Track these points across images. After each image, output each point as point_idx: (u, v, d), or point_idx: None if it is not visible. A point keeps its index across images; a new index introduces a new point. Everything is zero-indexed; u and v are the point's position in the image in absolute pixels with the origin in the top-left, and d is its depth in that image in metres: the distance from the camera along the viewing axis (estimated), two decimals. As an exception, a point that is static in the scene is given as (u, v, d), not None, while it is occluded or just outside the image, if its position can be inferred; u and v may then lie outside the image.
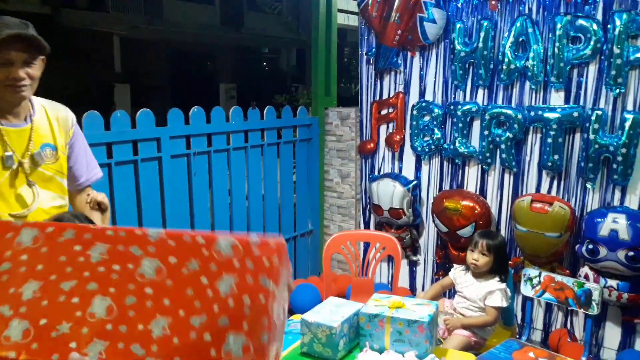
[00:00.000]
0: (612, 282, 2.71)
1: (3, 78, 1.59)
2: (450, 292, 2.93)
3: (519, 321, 3.13)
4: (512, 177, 3.14)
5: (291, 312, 3.45)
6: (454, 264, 2.74)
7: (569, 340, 2.90)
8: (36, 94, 1.77)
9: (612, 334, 2.95)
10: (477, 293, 2.48)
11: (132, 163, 2.77)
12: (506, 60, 3.02)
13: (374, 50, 3.54)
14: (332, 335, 1.82)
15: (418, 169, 3.50)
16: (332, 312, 1.93)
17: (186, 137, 3.00)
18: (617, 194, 2.82)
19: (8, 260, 0.87)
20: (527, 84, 3.01)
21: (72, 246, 0.87)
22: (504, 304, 2.43)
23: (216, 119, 3.16)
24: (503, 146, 3.09)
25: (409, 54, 3.41)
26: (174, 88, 9.17)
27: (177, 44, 9.54)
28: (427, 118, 3.38)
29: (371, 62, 3.59)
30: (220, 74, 10.02)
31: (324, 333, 1.84)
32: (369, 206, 3.75)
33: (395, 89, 3.53)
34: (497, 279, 2.48)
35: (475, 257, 2.50)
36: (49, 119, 1.80)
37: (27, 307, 0.84)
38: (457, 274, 2.61)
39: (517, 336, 2.73)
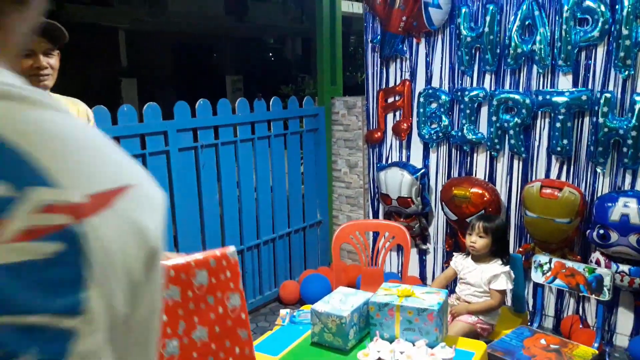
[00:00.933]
0: (624, 267, 2.69)
1: (27, 68, 1.63)
2: (452, 284, 2.90)
3: (530, 308, 3.12)
4: (521, 163, 3.12)
5: (302, 302, 3.46)
6: (454, 253, 2.73)
7: (580, 326, 2.89)
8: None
9: (624, 319, 2.93)
10: (480, 277, 2.47)
11: (140, 157, 2.78)
12: (513, 44, 2.98)
13: (379, 37, 3.51)
14: (343, 324, 1.83)
15: (426, 156, 3.48)
16: (342, 302, 1.93)
17: (193, 129, 3.00)
18: (628, 178, 2.79)
19: None
20: (535, 68, 2.97)
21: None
22: (509, 287, 2.43)
23: (222, 111, 3.16)
24: (511, 132, 3.06)
25: (415, 40, 3.38)
26: (180, 81, 9.17)
27: (182, 36, 9.53)
28: (434, 105, 3.35)
29: (376, 49, 3.57)
30: (226, 65, 10.00)
31: (334, 323, 1.84)
32: (377, 195, 3.74)
33: (401, 76, 3.50)
34: (499, 262, 2.47)
35: (473, 239, 2.51)
36: (71, 111, 1.83)
37: None
38: (459, 262, 2.61)
39: (529, 323, 2.72)
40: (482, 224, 2.50)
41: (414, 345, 1.79)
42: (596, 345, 2.38)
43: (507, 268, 2.45)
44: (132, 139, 2.73)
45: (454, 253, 2.72)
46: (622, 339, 2.94)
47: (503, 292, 2.44)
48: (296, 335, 1.97)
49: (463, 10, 3.12)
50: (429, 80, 3.37)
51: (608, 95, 2.74)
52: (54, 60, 1.70)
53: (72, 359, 0.35)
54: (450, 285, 2.85)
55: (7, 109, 0.36)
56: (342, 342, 1.84)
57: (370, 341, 1.83)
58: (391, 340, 1.85)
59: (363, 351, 1.74)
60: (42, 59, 1.65)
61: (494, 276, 2.43)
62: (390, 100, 3.57)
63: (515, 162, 3.14)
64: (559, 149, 2.93)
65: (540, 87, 2.97)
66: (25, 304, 0.33)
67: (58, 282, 0.35)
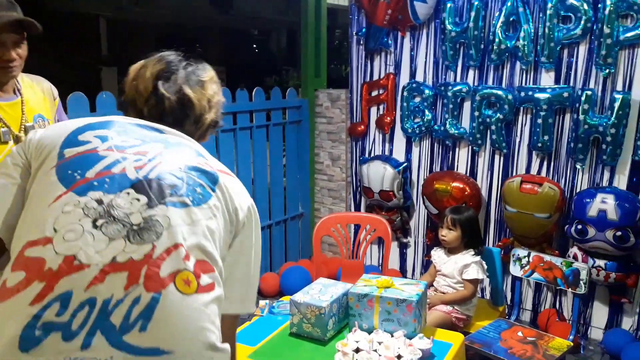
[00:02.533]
0: (600, 262, 2.73)
1: None
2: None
3: (508, 301, 3.16)
4: (502, 158, 3.14)
5: (281, 294, 3.45)
6: (435, 247, 2.75)
7: (557, 319, 2.93)
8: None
9: (599, 313, 2.98)
10: (454, 268, 2.51)
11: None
12: (497, 40, 3.00)
13: (364, 30, 3.50)
14: (321, 315, 1.82)
15: (409, 150, 3.49)
16: (321, 293, 1.92)
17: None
18: (606, 175, 2.83)
19: None
20: (518, 64, 2.99)
21: None
22: (480, 276, 2.46)
23: (204, 100, 3.11)
24: (493, 127, 3.08)
25: (400, 34, 3.37)
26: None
27: (164, 26, 9.40)
28: (417, 99, 3.36)
29: (361, 42, 3.55)
30: (210, 56, 9.93)
31: (313, 313, 1.83)
32: (359, 189, 3.74)
33: (385, 70, 3.50)
34: (472, 252, 2.51)
35: (444, 233, 2.57)
36: (35, 91, 1.82)
37: None
38: (435, 255, 2.66)
39: (507, 316, 2.75)
40: (450, 217, 2.55)
41: (392, 335, 1.79)
42: (571, 337, 2.41)
43: (478, 258, 2.49)
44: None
45: (434, 248, 2.74)
46: (596, 332, 2.99)
47: (475, 282, 2.47)
48: (275, 326, 1.96)
49: (448, 5, 3.12)
50: (413, 74, 3.37)
51: (589, 92, 2.77)
52: (23, 50, 1.68)
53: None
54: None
55: None
56: (321, 333, 1.84)
57: (349, 332, 1.83)
58: (370, 330, 1.85)
59: (342, 341, 1.73)
60: (12, 51, 1.63)
61: (464, 266, 2.47)
62: (374, 93, 3.57)
63: (497, 157, 3.16)
64: (539, 144, 2.95)
65: (523, 84, 2.99)
66: None
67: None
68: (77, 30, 8.31)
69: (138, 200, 0.93)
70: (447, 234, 2.54)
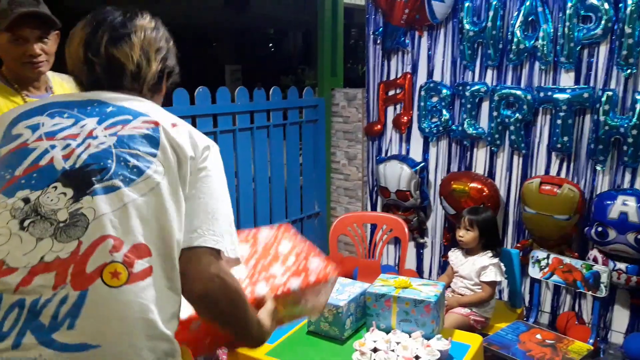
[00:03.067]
0: (621, 265, 2.69)
1: (20, 55, 1.64)
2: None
3: (527, 304, 3.13)
4: (521, 159, 3.11)
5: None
6: (452, 249, 2.73)
7: (576, 323, 2.89)
8: None
9: (620, 317, 2.94)
10: (471, 270, 2.49)
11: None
12: (515, 40, 2.97)
13: (381, 29, 3.49)
14: (339, 314, 1.82)
15: (426, 150, 3.48)
16: (338, 292, 1.93)
17: (192, 117, 2.98)
18: (627, 176, 2.79)
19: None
20: (537, 64, 2.96)
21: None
22: (498, 279, 2.44)
23: (222, 99, 3.14)
24: (512, 127, 3.05)
25: (417, 33, 3.36)
26: (178, 70, 9.15)
27: (180, 26, 9.48)
28: (435, 99, 3.34)
29: (378, 41, 3.55)
30: (225, 55, 9.95)
31: (330, 312, 1.84)
32: (375, 188, 3.73)
33: (402, 69, 3.49)
34: (490, 254, 2.48)
35: (461, 233, 2.55)
36: (65, 90, 1.84)
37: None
38: (453, 256, 2.63)
39: (525, 318, 2.72)
40: (467, 218, 2.53)
41: (410, 336, 1.79)
42: (591, 341, 2.38)
43: (496, 260, 2.46)
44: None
45: (452, 249, 2.72)
46: (617, 336, 2.95)
47: (493, 284, 2.45)
48: (292, 324, 1.96)
49: (466, 4, 3.10)
50: (430, 74, 3.36)
51: (610, 93, 2.73)
52: (49, 46, 1.70)
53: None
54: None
55: None
56: (339, 332, 1.84)
57: (366, 331, 1.83)
58: (387, 330, 1.84)
59: (359, 341, 1.73)
60: (35, 46, 1.65)
61: (482, 268, 2.45)
62: (391, 93, 3.56)
63: (515, 157, 3.13)
64: (559, 145, 2.92)
65: (542, 84, 2.96)
66: None
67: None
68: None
69: (65, 194, 0.92)
70: (465, 235, 2.52)
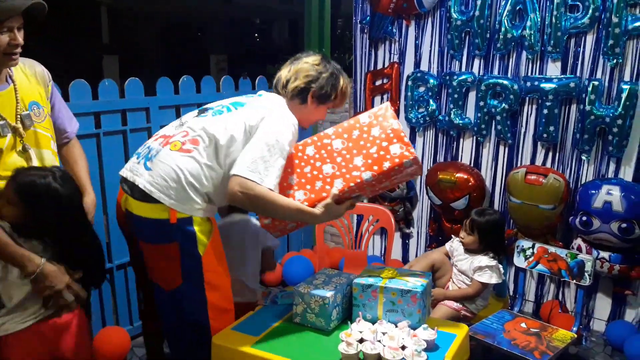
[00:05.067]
0: (605, 254, 2.72)
1: (4, 45, 1.58)
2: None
3: (511, 292, 3.15)
4: (507, 149, 3.12)
5: (284, 284, 3.45)
6: (452, 236, 2.71)
7: (560, 311, 2.92)
8: None
9: (602, 305, 2.97)
10: (468, 267, 2.48)
11: (121, 133, 2.71)
12: (503, 29, 2.96)
13: (368, 18, 3.46)
14: (325, 305, 1.81)
15: (412, 140, 3.46)
16: (325, 283, 1.91)
17: (176, 107, 2.94)
18: (612, 166, 2.81)
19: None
20: (524, 53, 2.96)
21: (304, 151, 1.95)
22: (492, 281, 2.41)
23: (206, 88, 3.09)
24: (498, 117, 3.05)
25: (404, 22, 3.33)
26: (163, 60, 9.01)
27: (166, 15, 9.34)
28: (422, 89, 3.33)
29: (365, 30, 3.52)
30: (211, 45, 9.84)
31: (317, 303, 1.82)
32: (362, 178, 3.72)
33: (390, 58, 3.47)
34: (490, 254, 2.46)
35: (462, 235, 2.54)
36: (27, 77, 1.77)
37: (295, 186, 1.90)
38: (455, 246, 2.61)
39: (510, 307, 2.74)
40: (469, 221, 2.50)
41: (396, 326, 1.78)
42: (575, 329, 2.40)
43: (494, 262, 2.43)
44: (113, 115, 2.66)
45: (452, 237, 2.69)
46: (599, 324, 2.99)
47: (484, 285, 2.43)
48: (278, 316, 1.95)
49: (454, -7, 3.08)
50: (417, 64, 3.34)
51: (596, 83, 2.74)
52: (21, 35, 1.64)
53: None
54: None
55: None
56: (325, 323, 1.83)
57: (352, 322, 1.82)
58: (374, 321, 1.83)
59: (346, 332, 1.72)
60: (19, 36, 1.60)
61: (478, 267, 2.43)
62: (378, 82, 3.54)
63: (501, 147, 3.14)
64: (545, 135, 2.93)
65: (529, 73, 2.96)
66: None
67: None
68: (78, 18, 8.26)
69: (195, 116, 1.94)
70: (465, 237, 2.50)
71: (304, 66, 1.99)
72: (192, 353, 1.87)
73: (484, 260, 2.44)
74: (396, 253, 3.68)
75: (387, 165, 1.78)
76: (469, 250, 2.52)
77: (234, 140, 1.80)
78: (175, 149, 1.79)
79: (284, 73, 2.02)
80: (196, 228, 1.76)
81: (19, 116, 1.67)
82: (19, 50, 1.62)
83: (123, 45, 8.95)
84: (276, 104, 1.94)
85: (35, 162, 1.71)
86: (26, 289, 1.63)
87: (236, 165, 1.75)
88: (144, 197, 1.74)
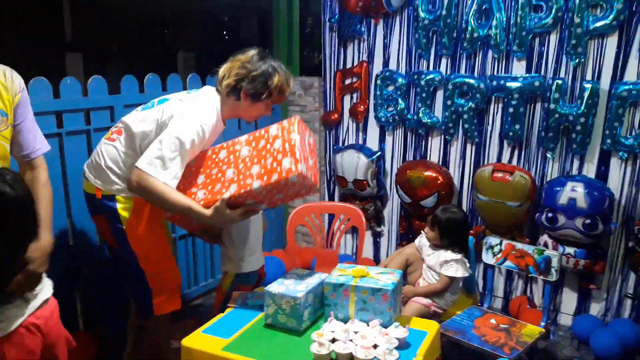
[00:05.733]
0: (570, 250, 2.78)
1: None
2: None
3: (480, 289, 3.19)
4: (474, 147, 3.16)
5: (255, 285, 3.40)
6: (422, 231, 2.72)
7: (528, 306, 2.97)
8: None
9: (568, 299, 3.04)
10: (435, 262, 2.50)
11: (84, 133, 2.63)
12: (469, 28, 3.00)
13: (337, 16, 3.46)
14: (297, 305, 1.79)
15: (382, 139, 3.48)
16: (296, 283, 1.90)
17: (140, 105, 2.87)
18: (576, 163, 2.88)
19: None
20: (490, 53, 3.00)
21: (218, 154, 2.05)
22: (459, 275, 2.43)
23: (173, 86, 3.03)
24: (465, 116, 3.09)
25: (373, 21, 3.34)
26: (129, 57, 8.81)
27: (132, 11, 9.14)
28: (391, 88, 3.34)
29: (334, 29, 3.51)
30: (178, 42, 9.68)
31: (288, 304, 1.81)
32: (333, 178, 3.72)
33: (359, 57, 3.47)
34: (456, 249, 2.49)
35: (426, 229, 2.57)
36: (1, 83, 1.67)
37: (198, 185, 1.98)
38: (423, 242, 2.62)
39: (479, 304, 2.77)
40: (430, 217, 2.52)
41: (368, 325, 1.78)
42: (543, 324, 2.44)
43: (459, 256, 2.45)
44: (75, 114, 2.58)
45: (422, 232, 2.70)
46: (566, 318, 3.05)
47: (451, 279, 2.44)
48: (249, 318, 1.92)
49: (421, -8, 3.10)
50: (386, 63, 3.35)
51: (559, 81, 2.80)
52: None
53: None
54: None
55: None
56: (296, 323, 1.81)
57: (324, 322, 1.80)
58: (345, 320, 1.83)
59: (317, 332, 1.71)
60: None
61: (444, 261, 2.45)
62: (348, 81, 3.54)
63: (469, 146, 3.17)
64: (511, 133, 2.98)
65: (495, 72, 3.01)
66: None
67: None
68: (39, 13, 8.00)
69: None
70: (428, 233, 2.53)
71: (236, 63, 2.05)
72: (139, 296, 2.19)
73: (449, 254, 2.46)
74: (367, 251, 3.68)
75: (274, 177, 1.81)
76: (435, 245, 2.54)
77: (146, 135, 2.01)
78: (106, 137, 2.12)
79: (221, 69, 2.09)
80: (118, 205, 2.04)
81: None
82: None
83: (87, 42, 8.71)
84: (198, 102, 2.05)
85: None
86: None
87: (140, 158, 1.93)
88: (84, 174, 2.13)
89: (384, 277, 1.88)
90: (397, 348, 1.66)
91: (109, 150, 2.05)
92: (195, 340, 1.78)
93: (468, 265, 2.49)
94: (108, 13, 9.04)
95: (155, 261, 2.12)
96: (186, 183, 1.98)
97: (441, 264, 2.45)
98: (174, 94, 2.17)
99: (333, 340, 1.68)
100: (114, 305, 2.83)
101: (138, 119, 2.05)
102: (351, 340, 1.69)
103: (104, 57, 8.84)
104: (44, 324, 1.64)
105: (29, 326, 1.59)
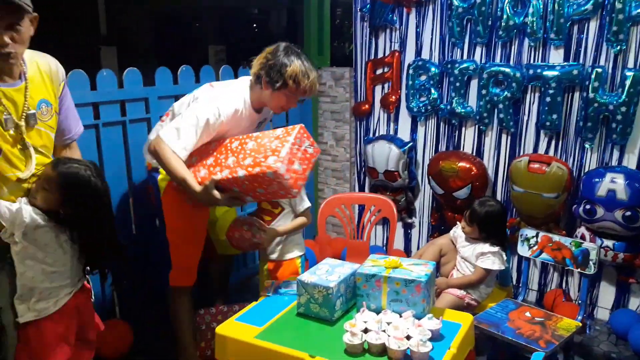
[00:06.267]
0: (608, 242, 2.70)
1: None
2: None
3: (514, 282, 3.14)
4: (509, 138, 3.09)
5: (286, 275, 3.42)
6: (457, 222, 2.69)
7: (563, 300, 2.91)
8: None
9: (606, 293, 2.96)
10: (471, 254, 2.48)
11: (120, 124, 2.68)
12: (505, 16, 2.93)
13: (368, 6, 3.42)
14: (329, 295, 1.79)
15: (414, 130, 3.44)
16: (328, 273, 1.90)
17: (175, 97, 2.90)
18: (616, 154, 2.79)
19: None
20: (526, 41, 2.92)
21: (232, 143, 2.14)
22: (494, 267, 2.41)
23: (206, 78, 3.06)
24: (501, 106, 3.03)
25: (405, 10, 3.30)
26: (161, 51, 8.93)
27: (164, 5, 9.26)
28: (423, 77, 3.30)
29: (366, 19, 3.48)
30: (209, 35, 9.77)
31: (320, 293, 1.81)
32: (363, 169, 3.70)
33: (390, 47, 3.43)
34: (492, 242, 2.46)
35: (462, 224, 2.54)
36: (42, 74, 1.75)
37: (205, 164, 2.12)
38: (458, 233, 2.60)
39: (513, 296, 2.73)
40: (468, 212, 2.49)
41: (400, 316, 1.77)
42: (580, 318, 2.39)
43: (497, 249, 2.43)
44: (111, 105, 2.63)
45: (457, 224, 2.68)
46: (603, 312, 2.98)
47: (487, 271, 2.42)
48: (281, 306, 1.93)
49: (455, -21, 3.04)
50: (418, 52, 3.31)
51: (599, 70, 2.71)
52: (21, 33, 1.56)
53: None
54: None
55: None
56: (329, 313, 1.81)
57: (356, 312, 1.80)
58: (378, 311, 1.82)
59: (350, 322, 1.71)
60: (5, 36, 1.52)
61: (481, 253, 2.43)
62: (379, 71, 3.50)
63: (504, 136, 3.11)
64: (547, 123, 2.90)
65: (532, 61, 2.93)
66: None
67: None
68: (75, 9, 8.18)
69: None
70: (465, 227, 2.50)
71: (262, 54, 2.20)
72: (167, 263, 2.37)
73: (486, 246, 2.43)
74: (398, 243, 3.66)
75: (256, 170, 1.94)
76: (472, 238, 2.51)
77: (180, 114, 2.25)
78: (160, 120, 2.44)
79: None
80: (159, 177, 2.32)
81: (24, 114, 1.67)
82: (7, 50, 1.54)
83: (121, 36, 8.87)
84: (225, 88, 2.25)
85: (34, 160, 1.71)
86: (55, 276, 1.73)
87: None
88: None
89: (417, 269, 1.86)
90: (430, 340, 1.64)
91: (157, 128, 2.40)
92: (229, 328, 1.80)
93: (505, 258, 2.46)
94: (141, 8, 9.19)
95: (179, 237, 2.29)
96: (197, 161, 2.14)
97: (477, 255, 2.43)
98: (214, 82, 2.41)
99: (365, 331, 1.68)
100: (149, 294, 2.89)
101: (180, 103, 2.36)
102: (384, 331, 1.68)
103: (137, 50, 8.99)
104: (82, 304, 1.85)
105: (71, 305, 1.79)
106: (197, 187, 2.03)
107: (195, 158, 2.13)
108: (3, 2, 1.49)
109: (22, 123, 1.67)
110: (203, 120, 2.06)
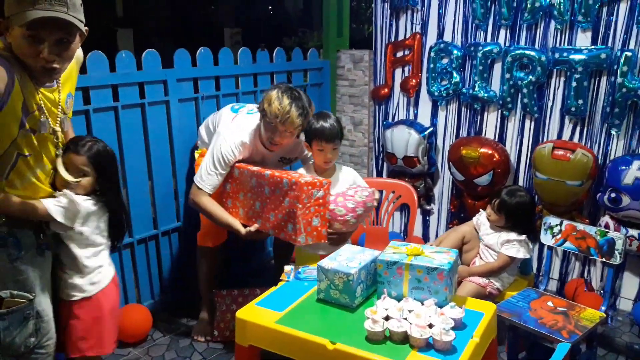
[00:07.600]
0: (634, 232, 2.64)
1: (32, 53, 1.49)
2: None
3: (535, 270, 3.09)
4: (533, 123, 3.02)
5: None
6: (480, 210, 2.65)
7: (585, 290, 2.86)
8: None
9: (629, 284, 2.91)
10: (496, 242, 2.44)
11: (139, 106, 2.66)
12: (531, -3, 2.84)
13: (389, -13, 3.35)
14: (349, 281, 1.77)
15: (434, 115, 3.38)
16: (349, 259, 1.87)
17: (194, 79, 2.88)
18: (644, 141, 2.71)
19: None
20: (552, 23, 2.84)
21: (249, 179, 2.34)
22: (520, 256, 2.38)
23: (224, 61, 3.02)
24: (525, 90, 2.95)
25: (427, -9, 3.22)
26: (177, 33, 8.90)
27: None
28: (445, 60, 3.23)
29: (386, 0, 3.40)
30: (225, 17, 9.70)
31: (340, 280, 1.79)
32: (382, 154, 3.66)
33: (411, 29, 3.36)
34: (517, 231, 2.42)
35: (488, 211, 2.50)
36: (72, 70, 1.76)
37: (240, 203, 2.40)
38: (482, 220, 2.56)
39: (534, 285, 2.68)
40: (497, 201, 2.44)
41: (422, 304, 1.74)
42: (603, 308, 2.34)
43: (523, 237, 2.39)
44: (130, 87, 2.61)
45: (480, 210, 2.64)
46: (625, 303, 2.92)
47: (511, 259, 2.39)
48: (301, 292, 1.92)
49: (480, -41, 2.96)
50: (440, 34, 3.23)
51: (629, 54, 2.62)
52: (69, 49, 1.54)
53: None
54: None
55: None
56: (349, 299, 1.79)
57: (377, 299, 1.78)
58: (399, 298, 1.79)
59: (371, 308, 1.68)
60: (50, 51, 1.49)
61: (506, 241, 2.40)
62: (399, 54, 3.44)
63: (527, 122, 3.04)
64: (573, 109, 2.83)
65: (557, 44, 2.85)
66: None
67: None
68: (91, -9, 8.19)
69: None
70: (491, 215, 2.46)
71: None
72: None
73: (512, 234, 2.40)
74: (416, 229, 3.63)
75: (282, 235, 2.23)
76: (497, 226, 2.48)
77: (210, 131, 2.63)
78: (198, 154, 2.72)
79: None
80: (196, 153, 2.70)
81: (59, 119, 1.70)
82: (53, 66, 1.51)
83: (137, 19, 8.86)
84: (236, 124, 2.43)
85: (61, 169, 1.76)
86: (104, 253, 1.92)
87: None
88: None
89: (440, 257, 1.83)
90: (453, 328, 1.62)
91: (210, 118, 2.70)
92: (249, 312, 1.79)
93: (531, 247, 2.42)
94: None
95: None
96: (231, 195, 2.43)
97: (502, 243, 2.39)
98: (242, 109, 2.55)
99: (387, 318, 1.66)
100: (168, 278, 2.90)
101: (206, 126, 2.71)
102: (405, 319, 1.66)
103: (152, 33, 8.97)
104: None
105: (114, 283, 1.96)
106: (242, 230, 2.31)
107: (229, 201, 2.43)
108: (56, 19, 1.46)
109: (58, 128, 1.70)
110: (222, 156, 2.33)
